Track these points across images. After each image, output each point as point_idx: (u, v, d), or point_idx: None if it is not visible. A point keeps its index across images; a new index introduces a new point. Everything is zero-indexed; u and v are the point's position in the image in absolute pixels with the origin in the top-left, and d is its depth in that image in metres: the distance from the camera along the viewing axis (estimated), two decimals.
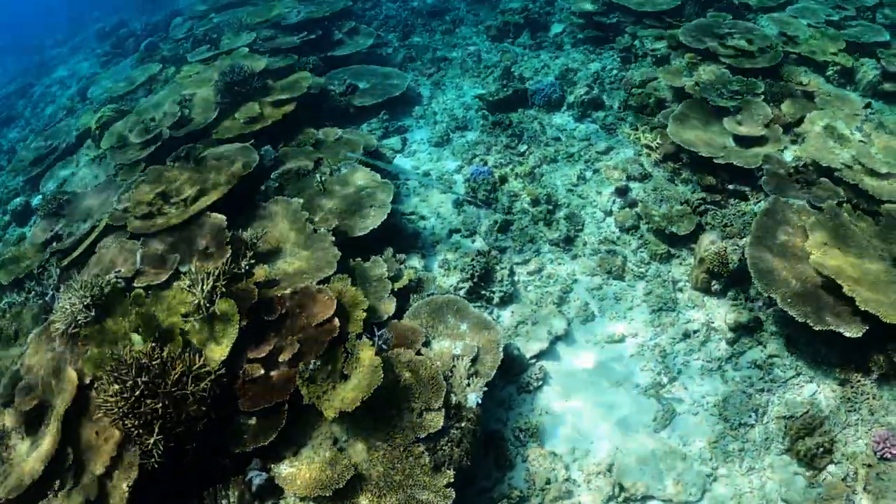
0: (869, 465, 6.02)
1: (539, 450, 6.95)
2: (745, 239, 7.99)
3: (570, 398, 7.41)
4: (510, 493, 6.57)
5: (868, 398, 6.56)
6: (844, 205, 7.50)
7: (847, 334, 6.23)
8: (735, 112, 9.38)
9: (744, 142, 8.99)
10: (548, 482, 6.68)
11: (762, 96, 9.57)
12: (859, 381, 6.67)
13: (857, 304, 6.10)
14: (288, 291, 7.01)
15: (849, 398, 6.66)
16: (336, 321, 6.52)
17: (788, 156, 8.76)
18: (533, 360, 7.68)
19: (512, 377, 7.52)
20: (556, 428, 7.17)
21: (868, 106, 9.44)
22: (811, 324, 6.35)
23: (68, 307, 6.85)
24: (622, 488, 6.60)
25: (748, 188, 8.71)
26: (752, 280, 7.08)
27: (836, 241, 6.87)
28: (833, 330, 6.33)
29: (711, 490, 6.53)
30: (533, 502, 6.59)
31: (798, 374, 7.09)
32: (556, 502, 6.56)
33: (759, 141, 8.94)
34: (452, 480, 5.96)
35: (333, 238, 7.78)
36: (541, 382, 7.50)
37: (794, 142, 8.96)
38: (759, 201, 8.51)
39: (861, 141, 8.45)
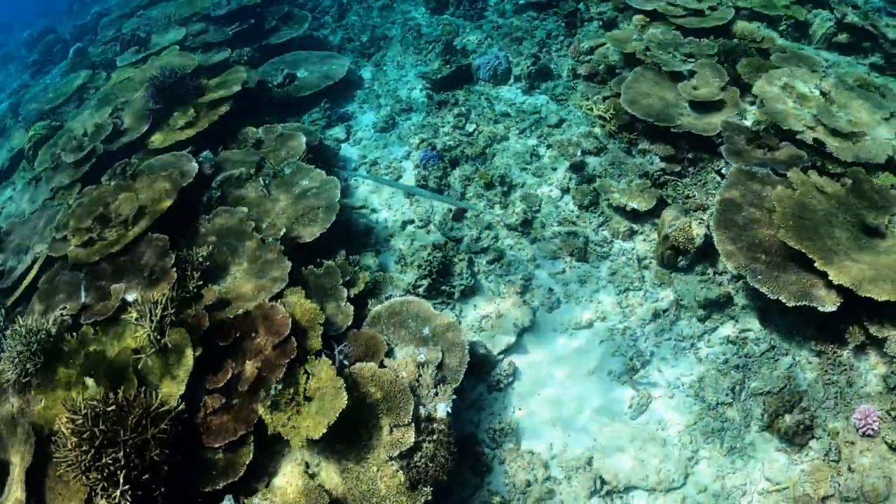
0: (852, 443, 6.12)
1: (516, 449, 6.96)
2: (709, 211, 8.01)
3: (542, 392, 7.42)
4: (491, 501, 6.55)
5: (846, 369, 6.68)
6: (810, 171, 7.53)
7: (822, 309, 6.29)
8: (690, 76, 9.36)
9: (701, 107, 8.99)
10: (528, 484, 6.69)
11: (716, 58, 9.56)
12: (836, 352, 6.79)
13: (830, 278, 6.14)
14: (241, 312, 6.83)
15: (826, 370, 6.78)
16: (293, 341, 6.38)
17: (748, 119, 8.77)
18: (501, 356, 7.66)
19: (481, 376, 7.49)
20: (531, 424, 7.18)
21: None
22: (784, 300, 6.42)
23: (15, 355, 6.62)
24: (604, 482, 6.67)
25: (708, 156, 8.71)
26: (722, 257, 7.09)
27: (804, 210, 6.90)
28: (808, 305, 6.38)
29: (694, 473, 6.64)
30: None
31: (773, 348, 7.19)
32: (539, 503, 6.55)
33: (717, 106, 8.94)
34: (430, 498, 5.92)
35: (283, 247, 7.57)
36: (511, 378, 7.48)
37: (752, 103, 8.97)
38: (721, 168, 8.52)
39: (822, 99, 8.49)
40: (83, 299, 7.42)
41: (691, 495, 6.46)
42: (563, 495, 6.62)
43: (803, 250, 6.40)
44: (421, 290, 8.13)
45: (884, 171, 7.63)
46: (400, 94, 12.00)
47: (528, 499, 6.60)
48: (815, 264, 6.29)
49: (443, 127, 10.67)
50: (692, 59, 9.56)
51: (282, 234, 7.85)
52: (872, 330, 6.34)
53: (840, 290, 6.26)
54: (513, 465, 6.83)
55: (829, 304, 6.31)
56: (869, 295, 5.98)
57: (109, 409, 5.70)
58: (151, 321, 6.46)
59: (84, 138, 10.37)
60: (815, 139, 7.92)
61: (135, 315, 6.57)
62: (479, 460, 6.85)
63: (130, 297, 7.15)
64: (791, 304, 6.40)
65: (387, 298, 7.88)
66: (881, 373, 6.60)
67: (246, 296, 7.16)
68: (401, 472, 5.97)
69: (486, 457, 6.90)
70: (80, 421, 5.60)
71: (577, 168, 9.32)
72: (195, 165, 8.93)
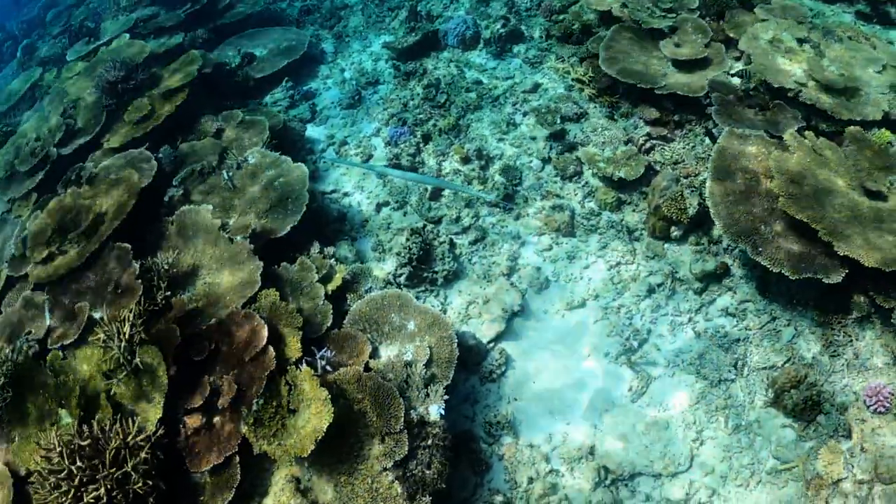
0: (863, 421, 5.99)
1: (515, 443, 6.81)
2: (700, 177, 7.78)
3: (537, 380, 7.25)
4: (493, 500, 6.41)
5: (851, 340, 6.54)
6: (806, 132, 7.30)
7: (826, 281, 6.12)
8: (671, 33, 9.04)
9: (685, 66, 8.71)
10: (530, 480, 6.54)
11: (698, 11, 9.24)
12: (840, 322, 6.66)
13: (834, 249, 5.95)
14: (213, 322, 6.56)
15: (831, 342, 6.65)
16: (271, 351, 6.14)
17: (735, 77, 8.50)
18: (491, 345, 7.47)
19: (472, 367, 7.31)
20: (529, 415, 7.02)
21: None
22: (787, 273, 6.25)
23: None
24: (608, 470, 6.55)
25: (695, 117, 8.46)
26: (717, 227, 6.87)
27: (803, 177, 6.69)
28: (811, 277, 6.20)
29: (699, 455, 6.53)
30: None
31: (774, 319, 7.06)
32: (543, 500, 6.39)
33: (702, 63, 8.65)
34: None
35: (252, 245, 7.24)
36: (504, 368, 7.30)
37: (738, 59, 8.69)
38: (709, 130, 8.26)
39: (812, 53, 8.23)
40: (48, 321, 7.13)
41: (698, 478, 6.37)
42: (567, 489, 6.49)
43: (805, 220, 6.20)
44: (402, 279, 7.89)
45: (880, 128, 7.41)
46: (365, 66, 11.62)
47: (532, 495, 6.46)
48: (819, 235, 6.09)
49: (412, 100, 10.31)
50: (673, 15, 9.23)
51: (250, 230, 7.51)
52: (879, 300, 6.18)
53: (845, 259, 6.06)
54: (513, 461, 6.68)
55: (833, 275, 6.13)
56: (874, 265, 5.79)
57: (85, 442, 5.52)
58: (120, 341, 6.19)
59: (37, 143, 9.93)
60: (807, 97, 7.67)
61: (102, 336, 6.29)
62: (478, 458, 6.68)
63: (97, 315, 6.87)
64: (794, 277, 6.22)
65: (367, 292, 7.63)
66: (887, 344, 6.46)
67: (217, 302, 6.87)
68: (396, 482, 5.79)
69: (485, 453, 6.74)
70: (56, 459, 5.41)
71: (557, 136, 9.05)
72: (154, 163, 8.57)
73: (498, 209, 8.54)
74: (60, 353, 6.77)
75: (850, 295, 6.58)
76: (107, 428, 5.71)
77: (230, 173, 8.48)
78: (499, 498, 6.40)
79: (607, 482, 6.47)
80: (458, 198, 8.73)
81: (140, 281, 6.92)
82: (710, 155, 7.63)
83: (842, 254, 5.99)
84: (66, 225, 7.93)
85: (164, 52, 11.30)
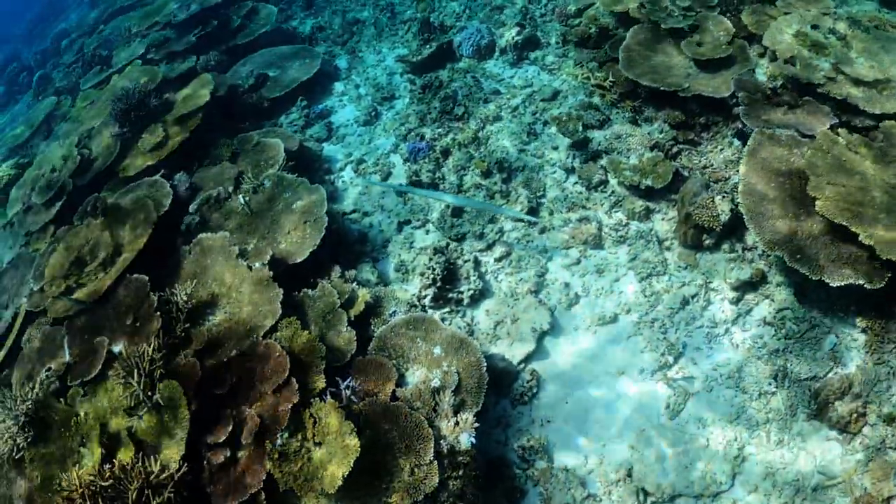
0: None
1: (549, 468, 6.71)
2: (731, 181, 7.63)
3: (570, 399, 7.14)
4: None
5: None
6: (839, 129, 7.11)
7: (868, 287, 5.94)
8: (692, 32, 8.88)
9: (708, 66, 8.54)
10: None
11: (718, 9, 9.07)
12: (884, 328, 6.45)
13: (877, 253, 5.77)
14: (234, 354, 6.53)
15: (875, 349, 6.46)
16: (294, 383, 6.10)
17: (761, 74, 8.32)
18: (521, 366, 7.38)
19: (503, 390, 7.23)
20: (562, 437, 6.92)
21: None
22: (827, 280, 6.10)
23: (4, 431, 6.41)
24: (646, 493, 6.43)
25: (722, 118, 8.30)
26: (751, 234, 6.71)
27: (839, 177, 6.51)
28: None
29: (742, 472, 6.38)
30: None
31: (813, 327, 6.88)
32: None
33: (726, 62, 8.48)
34: None
35: (272, 272, 7.21)
36: (535, 389, 7.20)
37: (762, 55, 8.51)
38: (738, 131, 8.10)
39: (839, 45, 8.02)
40: (67, 357, 7.13)
41: (741, 497, 6.23)
42: None
43: (844, 223, 6.03)
44: (427, 300, 7.80)
45: None
46: (380, 81, 11.58)
47: None
48: (860, 238, 5.92)
49: (429, 113, 10.25)
50: (693, 13, 9.07)
51: (269, 257, 7.46)
52: None
53: (888, 263, 5.88)
54: (548, 486, 6.58)
55: (877, 280, 5.95)
56: None
57: (107, 483, 5.52)
58: (139, 376, 6.20)
59: (53, 174, 9.99)
60: (836, 92, 7.47)
61: (121, 371, 6.30)
62: (512, 485, 6.59)
63: (116, 349, 6.90)
64: (835, 284, 6.05)
65: (391, 315, 7.55)
66: None
67: (237, 332, 6.83)
68: None
69: (519, 479, 6.65)
70: (79, 501, 5.42)
71: (579, 145, 8.92)
72: (169, 191, 8.59)
73: (531, 226, 8.40)
74: (81, 390, 6.77)
75: (893, 300, 6.38)
76: (129, 467, 5.71)
77: (247, 198, 8.46)
78: None
79: None
80: (482, 213, 8.63)
81: (159, 313, 6.92)
82: (740, 157, 7.48)
83: (885, 258, 5.80)
84: (83, 258, 7.96)
85: (177, 77, 11.34)
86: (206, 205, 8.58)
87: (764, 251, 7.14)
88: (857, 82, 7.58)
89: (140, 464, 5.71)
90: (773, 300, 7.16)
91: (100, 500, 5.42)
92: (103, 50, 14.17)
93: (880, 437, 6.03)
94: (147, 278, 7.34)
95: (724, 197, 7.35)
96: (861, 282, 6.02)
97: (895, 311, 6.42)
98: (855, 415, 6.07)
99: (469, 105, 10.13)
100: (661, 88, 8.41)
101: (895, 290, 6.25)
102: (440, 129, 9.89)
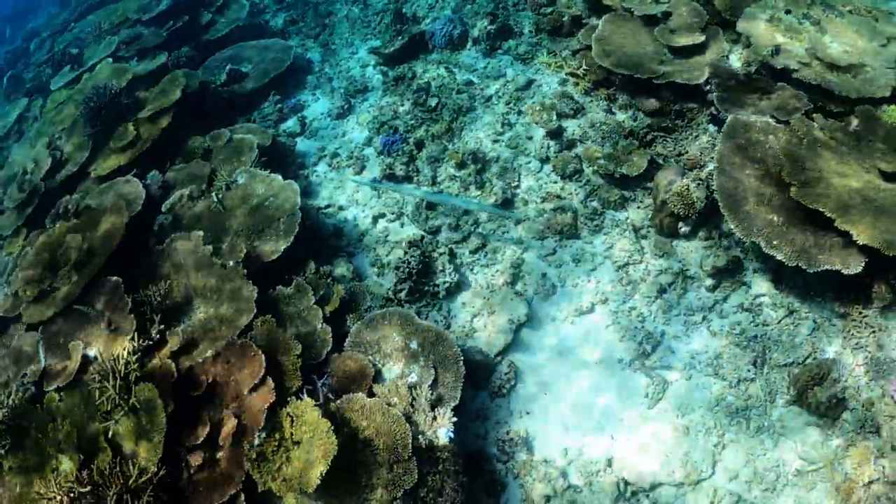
0: (891, 417, 5.82)
1: (529, 460, 6.66)
2: (706, 169, 7.61)
3: (549, 391, 7.11)
4: None
5: (874, 331, 6.36)
6: (814, 114, 7.10)
7: (845, 272, 5.95)
8: (665, 18, 8.83)
9: (682, 52, 8.50)
10: (548, 498, 6.41)
11: None
12: (861, 312, 6.48)
13: (853, 238, 5.76)
14: (210, 354, 6.45)
15: (853, 334, 6.45)
16: (269, 382, 6.03)
17: (735, 61, 8.30)
18: (499, 358, 7.31)
19: (481, 382, 7.19)
20: (542, 429, 6.90)
21: None
22: (803, 266, 6.10)
23: None
24: (627, 483, 6.42)
25: (697, 105, 8.28)
26: (727, 221, 6.69)
27: (815, 163, 6.50)
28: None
29: (722, 460, 6.40)
30: None
31: (791, 313, 6.90)
32: None
33: (700, 49, 8.44)
34: None
35: (246, 270, 7.13)
36: (513, 381, 7.17)
37: (735, 41, 8.48)
38: (713, 118, 8.08)
39: (813, 30, 8.01)
40: (43, 362, 7.01)
41: (722, 484, 6.23)
42: None
43: (820, 208, 6.02)
44: (402, 294, 7.73)
45: (890, 105, 7.21)
46: (353, 74, 11.48)
47: None
48: (836, 223, 5.91)
49: (402, 106, 10.16)
50: (665, 0, 9.01)
51: (243, 254, 7.36)
52: None
53: (864, 248, 5.88)
54: (528, 479, 6.56)
55: (853, 265, 5.95)
56: None
57: (85, 489, 5.46)
58: (115, 379, 6.11)
59: (24, 177, 9.82)
60: (811, 77, 7.47)
61: (97, 375, 6.21)
62: (492, 478, 6.55)
63: (92, 353, 6.80)
64: (812, 270, 6.05)
65: (367, 311, 7.48)
66: None
67: (213, 332, 6.75)
68: None
69: (499, 473, 6.61)
70: None
71: (554, 134, 8.86)
72: (142, 190, 8.44)
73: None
74: (57, 395, 6.66)
75: (870, 284, 6.39)
76: (107, 472, 5.62)
77: (219, 196, 8.33)
78: None
79: (627, 495, 6.36)
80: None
81: (133, 315, 6.83)
82: (715, 144, 7.47)
83: (860, 243, 5.80)
84: (56, 261, 7.81)
85: (148, 74, 11.15)
86: (179, 203, 8.45)
87: (740, 238, 7.13)
88: (832, 67, 7.58)
89: (118, 468, 5.64)
90: (750, 287, 7.17)
91: None
92: (74, 48, 13.91)
93: (860, 422, 6.04)
94: (120, 280, 7.23)
95: (699, 184, 7.33)
96: (838, 267, 6.02)
97: (872, 296, 6.42)
98: (834, 400, 6.07)
99: (442, 96, 10.05)
100: (635, 76, 8.37)
101: (872, 275, 6.27)
102: (413, 122, 9.79)
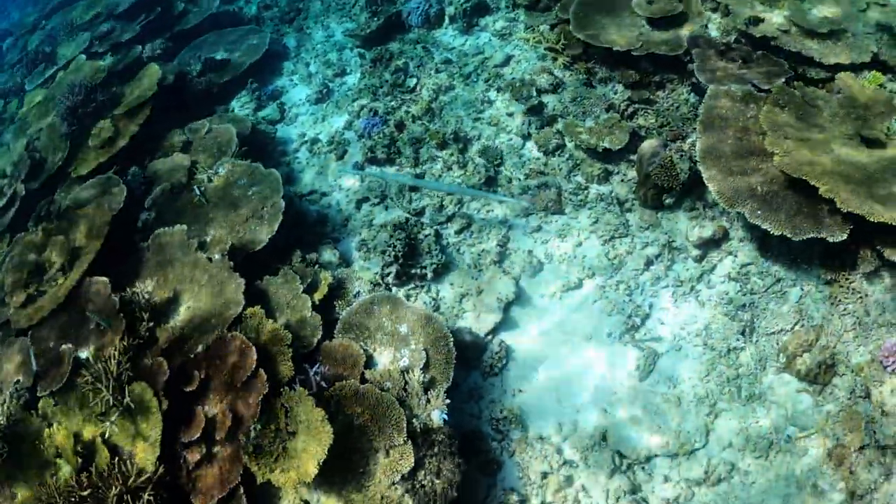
0: (881, 382, 5.86)
1: (524, 437, 6.69)
2: (689, 139, 7.60)
3: (540, 368, 7.13)
4: (508, 500, 6.33)
5: (861, 297, 6.39)
6: (795, 82, 7.09)
7: (831, 240, 5.96)
8: None
9: (660, 23, 8.46)
10: (544, 474, 6.42)
11: None
12: (847, 278, 6.50)
13: (837, 206, 5.77)
14: (201, 349, 6.43)
15: (840, 300, 6.50)
16: (262, 374, 6.00)
17: (714, 30, 8.27)
18: (489, 337, 7.31)
19: (472, 362, 7.19)
20: (535, 406, 6.91)
21: None
22: (789, 235, 6.10)
23: None
24: (622, 456, 6.43)
25: (677, 76, 8.25)
26: (710, 190, 6.69)
27: (797, 130, 6.50)
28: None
29: (715, 429, 6.42)
30: (534, 502, 6.30)
31: (778, 281, 6.92)
32: (559, 493, 6.30)
33: (678, 19, 8.40)
34: None
35: (232, 263, 7.10)
36: (505, 360, 7.18)
37: (714, 10, 8.45)
38: (693, 87, 8.06)
39: None
40: (35, 367, 6.95)
41: (716, 453, 6.27)
42: (582, 479, 6.40)
43: (804, 177, 6.01)
44: (390, 278, 7.70)
45: (870, 71, 7.21)
46: (330, 57, 11.34)
47: (547, 490, 6.37)
48: (820, 192, 5.91)
49: (381, 87, 10.05)
50: None
51: (228, 246, 7.30)
52: (886, 253, 6.01)
53: (849, 214, 5.89)
54: (524, 456, 6.58)
55: (838, 232, 5.97)
56: (882, 220, 5.61)
57: (85, 493, 5.46)
58: (108, 380, 6.09)
59: (3, 181, 9.65)
60: (791, 45, 7.45)
61: (89, 378, 6.19)
62: (488, 458, 6.56)
63: (83, 355, 6.76)
64: (797, 238, 6.06)
65: (355, 297, 7.46)
66: None
67: (202, 327, 6.72)
68: (407, 496, 5.69)
69: (494, 452, 6.63)
70: None
71: (534, 110, 8.82)
72: (123, 188, 8.35)
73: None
74: (51, 400, 6.65)
75: (855, 250, 6.42)
76: (105, 474, 5.63)
77: (201, 188, 8.25)
78: (514, 497, 6.31)
79: (623, 468, 6.38)
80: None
81: (122, 315, 6.77)
82: (696, 115, 7.44)
83: (845, 210, 5.81)
84: (41, 264, 7.73)
85: (123, 69, 11.00)
86: (162, 198, 8.35)
87: (725, 208, 7.14)
88: (812, 34, 7.56)
89: (117, 469, 5.63)
90: (736, 256, 7.18)
91: None
92: (47, 46, 13.69)
93: (850, 388, 6.09)
94: (107, 280, 7.17)
95: (682, 155, 7.33)
96: (823, 235, 6.03)
97: (858, 263, 6.45)
98: (824, 366, 6.11)
99: (421, 76, 9.97)
100: (614, 49, 8.32)
101: (857, 241, 6.29)
102: (393, 103, 9.71)
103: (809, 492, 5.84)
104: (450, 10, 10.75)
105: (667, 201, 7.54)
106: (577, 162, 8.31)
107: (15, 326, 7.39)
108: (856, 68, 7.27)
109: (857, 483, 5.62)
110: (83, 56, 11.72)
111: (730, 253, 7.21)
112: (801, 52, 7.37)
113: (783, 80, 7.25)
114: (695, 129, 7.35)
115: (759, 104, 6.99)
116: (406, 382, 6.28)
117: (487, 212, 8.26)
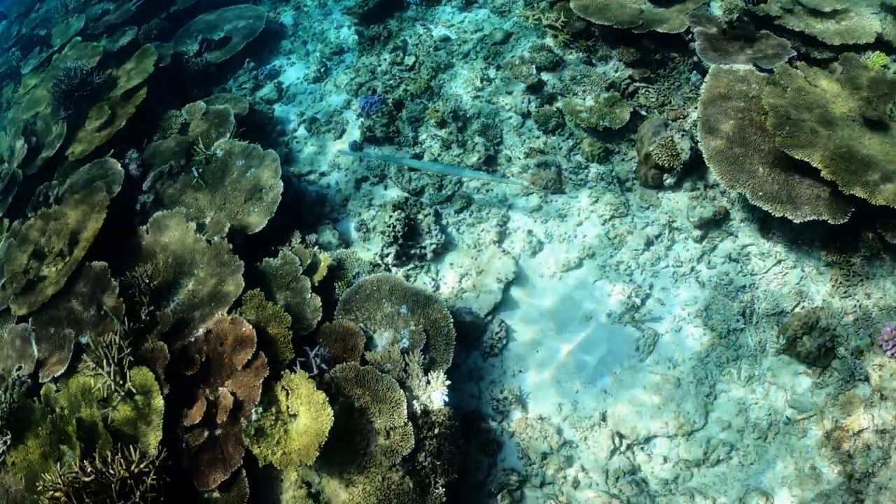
0: (881, 366, 5.86)
1: (524, 417, 6.70)
2: (690, 118, 7.55)
3: (540, 348, 7.12)
4: (508, 481, 6.32)
5: (861, 280, 6.38)
6: (798, 62, 7.03)
7: (832, 222, 5.94)
8: None
9: (662, 1, 8.34)
10: (544, 455, 6.43)
11: None
12: (848, 261, 6.49)
13: (839, 188, 5.74)
14: (201, 332, 6.41)
15: (840, 282, 6.48)
16: (262, 357, 5.99)
17: (716, 9, 8.18)
18: (489, 318, 7.30)
19: (473, 343, 7.18)
20: (535, 386, 6.92)
21: None
22: (790, 217, 6.08)
23: None
24: (622, 436, 6.45)
25: (678, 54, 8.18)
26: (711, 170, 6.65)
27: (800, 112, 6.44)
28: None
29: (714, 410, 6.43)
30: (535, 482, 6.34)
31: (779, 262, 6.92)
32: (559, 473, 6.32)
33: None
34: (445, 499, 5.71)
35: (231, 245, 7.06)
36: (505, 340, 7.18)
37: None
38: (695, 66, 7.99)
39: None
40: (36, 354, 6.93)
41: (715, 434, 6.27)
42: (582, 459, 6.42)
43: (806, 159, 5.98)
44: (389, 259, 7.68)
45: (873, 51, 7.15)
46: (327, 35, 11.21)
47: (547, 470, 6.39)
48: (822, 174, 5.87)
49: (380, 66, 9.97)
50: None
51: (227, 229, 7.26)
52: (888, 236, 5.99)
53: (850, 197, 5.86)
54: (524, 436, 6.59)
55: (839, 215, 5.93)
56: (884, 203, 5.59)
57: (89, 478, 5.40)
58: (109, 365, 6.07)
59: (2, 166, 9.56)
60: (794, 24, 7.38)
61: (90, 363, 6.17)
62: (488, 438, 6.57)
63: (84, 340, 6.74)
64: (798, 220, 6.03)
65: (355, 278, 7.41)
66: None
67: (202, 310, 6.70)
68: (408, 477, 5.68)
69: (495, 432, 6.63)
70: (64, 500, 5.33)
71: (534, 88, 8.74)
72: (121, 170, 8.27)
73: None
74: (53, 386, 6.62)
75: (857, 232, 6.40)
76: (109, 459, 5.59)
77: (199, 170, 8.18)
78: (514, 477, 6.32)
79: (622, 448, 6.40)
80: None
81: (122, 299, 6.75)
82: (697, 94, 7.39)
83: (847, 193, 5.78)
84: (40, 250, 7.68)
85: (119, 50, 10.86)
86: (160, 181, 8.29)
87: (726, 188, 7.11)
88: (815, 13, 7.49)
89: (120, 454, 5.59)
90: (737, 237, 7.17)
91: (84, 495, 5.31)
92: (41, 30, 13.56)
93: (849, 370, 6.09)
94: (107, 264, 7.12)
95: (683, 135, 7.28)
96: (824, 217, 6.01)
97: (859, 245, 6.43)
98: (824, 349, 6.11)
99: (420, 54, 9.87)
100: (615, 26, 8.24)
101: (859, 224, 6.27)
102: (392, 81, 9.63)
103: (808, 474, 5.87)
104: None
105: (667, 181, 7.51)
106: (578, 141, 8.26)
107: (15, 313, 7.36)
108: (859, 48, 7.20)
109: (854, 466, 5.65)
110: (78, 38, 11.61)
111: (731, 234, 7.19)
112: (805, 32, 7.30)
113: (786, 59, 7.19)
114: (696, 108, 7.30)
115: (762, 84, 6.93)
116: (406, 364, 6.27)
117: (487, 191, 8.22)
